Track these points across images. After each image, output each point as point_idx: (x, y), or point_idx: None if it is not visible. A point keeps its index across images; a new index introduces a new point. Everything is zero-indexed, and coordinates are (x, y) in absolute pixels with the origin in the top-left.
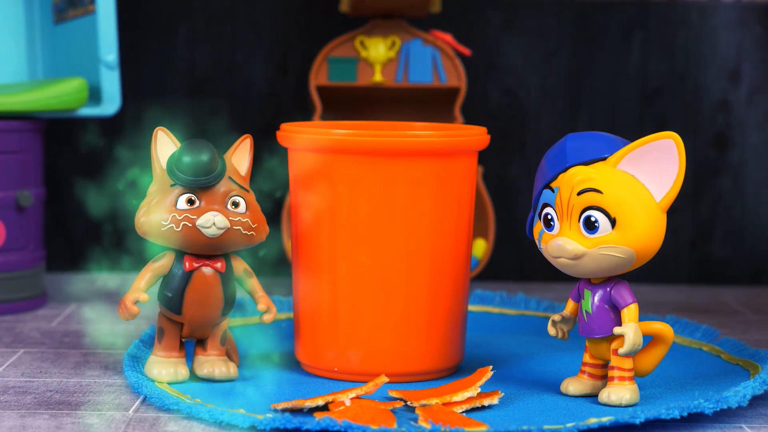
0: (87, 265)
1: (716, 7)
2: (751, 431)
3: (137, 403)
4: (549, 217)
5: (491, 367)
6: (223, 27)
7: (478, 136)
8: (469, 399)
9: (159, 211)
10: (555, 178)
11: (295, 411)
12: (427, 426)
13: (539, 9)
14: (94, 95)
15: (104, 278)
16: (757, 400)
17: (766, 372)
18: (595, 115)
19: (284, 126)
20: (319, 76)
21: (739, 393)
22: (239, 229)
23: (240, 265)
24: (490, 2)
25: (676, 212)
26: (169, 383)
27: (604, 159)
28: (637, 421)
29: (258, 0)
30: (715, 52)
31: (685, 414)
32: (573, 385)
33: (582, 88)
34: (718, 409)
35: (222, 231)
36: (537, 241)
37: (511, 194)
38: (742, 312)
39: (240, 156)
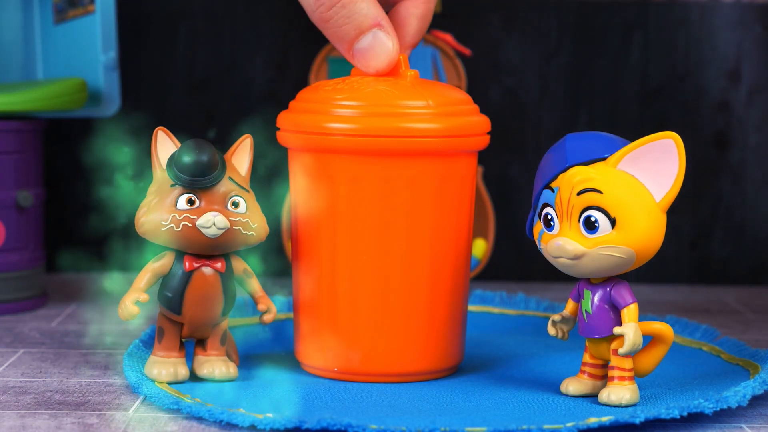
0: (87, 265)
1: (716, 7)
2: (751, 431)
3: (137, 403)
4: (549, 217)
5: None
6: (223, 27)
7: (478, 136)
8: None
9: (159, 211)
10: (555, 178)
11: None
12: None
13: (539, 9)
14: (94, 95)
15: (104, 278)
16: (757, 400)
17: (766, 372)
18: (595, 115)
19: (282, 124)
20: (319, 76)
21: (739, 393)
22: (239, 229)
23: (240, 265)
24: (490, 2)
25: (676, 212)
26: (169, 383)
27: (604, 159)
28: (637, 421)
29: (258, 0)
30: (715, 52)
31: (685, 414)
32: (573, 385)
33: (582, 88)
34: (718, 409)
35: (222, 231)
36: (537, 241)
37: (511, 194)
38: (742, 312)
39: (240, 156)
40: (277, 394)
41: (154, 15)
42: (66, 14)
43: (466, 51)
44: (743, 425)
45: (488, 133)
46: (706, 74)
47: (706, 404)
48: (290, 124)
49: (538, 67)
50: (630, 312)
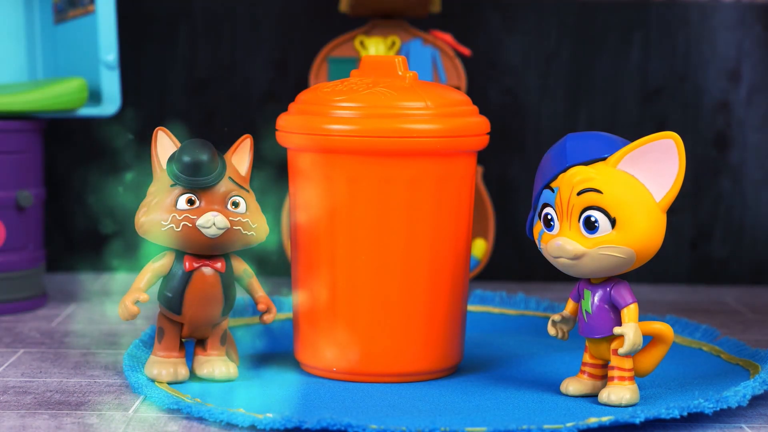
0: (87, 265)
1: (716, 7)
2: (751, 431)
3: (137, 403)
4: (549, 217)
5: None
6: (223, 27)
7: (477, 136)
8: None
9: (159, 211)
10: (555, 178)
11: None
12: None
13: (539, 9)
14: (94, 95)
15: (104, 278)
16: (757, 400)
17: (766, 372)
18: (595, 115)
19: (282, 125)
20: (319, 76)
21: (739, 393)
22: (239, 229)
23: (240, 265)
24: (490, 2)
25: (676, 212)
26: (169, 383)
27: (604, 159)
28: (637, 421)
29: (258, 0)
30: (715, 52)
31: (685, 414)
32: (573, 385)
33: (582, 88)
34: (718, 409)
35: (222, 231)
36: (537, 241)
37: (511, 194)
38: (742, 312)
39: (240, 156)
40: (277, 394)
41: (154, 15)
42: (66, 14)
43: (466, 51)
44: (743, 425)
45: (487, 133)
46: (706, 74)
47: (706, 404)
48: (290, 124)
49: (538, 67)
50: (630, 312)
